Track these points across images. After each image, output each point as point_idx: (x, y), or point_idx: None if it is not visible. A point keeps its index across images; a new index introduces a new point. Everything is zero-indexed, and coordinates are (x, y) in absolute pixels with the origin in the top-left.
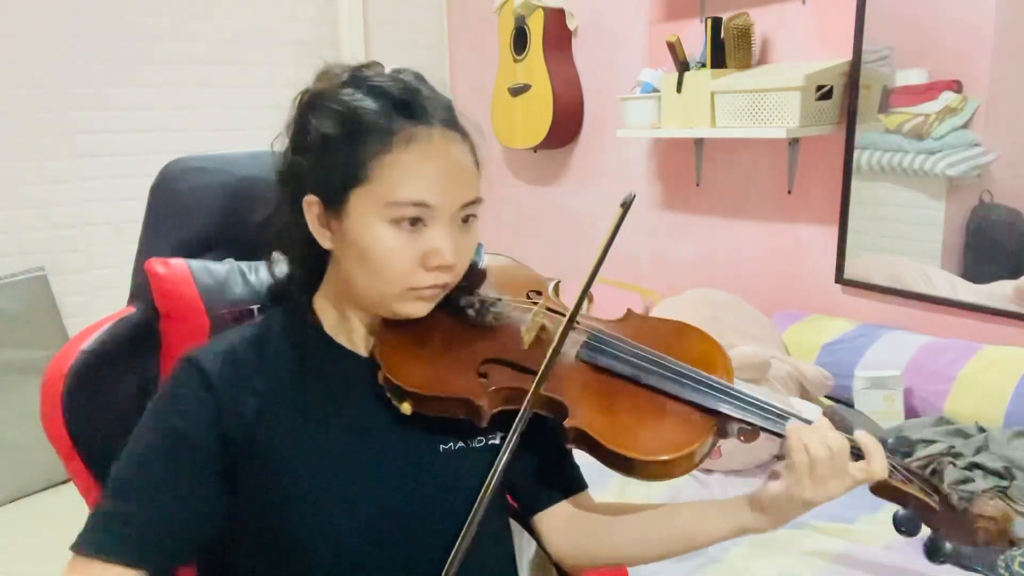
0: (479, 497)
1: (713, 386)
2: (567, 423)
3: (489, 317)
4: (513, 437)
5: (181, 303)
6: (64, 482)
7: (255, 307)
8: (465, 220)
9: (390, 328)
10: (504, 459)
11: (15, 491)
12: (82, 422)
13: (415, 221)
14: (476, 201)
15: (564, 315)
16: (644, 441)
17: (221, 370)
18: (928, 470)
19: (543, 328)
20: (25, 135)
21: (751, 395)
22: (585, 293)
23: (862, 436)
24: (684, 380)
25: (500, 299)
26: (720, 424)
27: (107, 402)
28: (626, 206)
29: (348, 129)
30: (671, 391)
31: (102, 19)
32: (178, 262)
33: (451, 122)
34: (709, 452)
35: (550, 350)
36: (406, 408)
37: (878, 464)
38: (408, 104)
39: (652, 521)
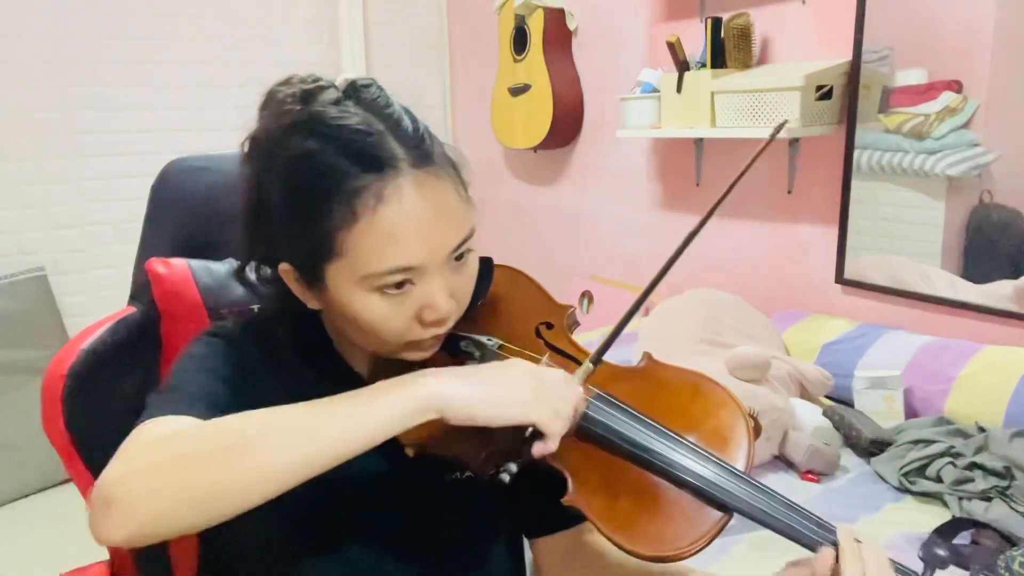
0: None
1: (728, 479)
2: (565, 500)
3: None
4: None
5: (181, 303)
6: (64, 482)
7: (255, 307)
8: (459, 258)
9: (389, 371)
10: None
11: (15, 491)
12: (82, 422)
13: (401, 283)
14: (467, 238)
15: (573, 361)
16: (644, 533)
17: (240, 370)
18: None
19: None
20: (25, 135)
21: (771, 496)
22: (606, 348)
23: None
24: (690, 473)
25: (502, 345)
26: (731, 517)
27: (107, 402)
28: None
29: (305, 197)
30: (678, 480)
31: (102, 19)
32: (178, 262)
33: (423, 158)
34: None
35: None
36: (409, 452)
37: None
38: (369, 152)
39: None
